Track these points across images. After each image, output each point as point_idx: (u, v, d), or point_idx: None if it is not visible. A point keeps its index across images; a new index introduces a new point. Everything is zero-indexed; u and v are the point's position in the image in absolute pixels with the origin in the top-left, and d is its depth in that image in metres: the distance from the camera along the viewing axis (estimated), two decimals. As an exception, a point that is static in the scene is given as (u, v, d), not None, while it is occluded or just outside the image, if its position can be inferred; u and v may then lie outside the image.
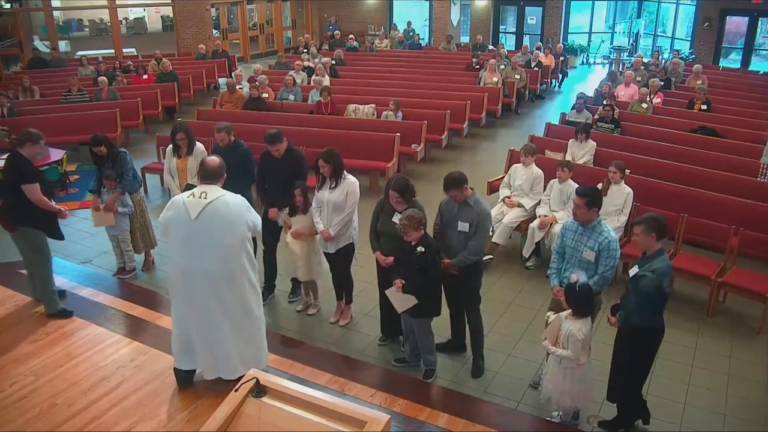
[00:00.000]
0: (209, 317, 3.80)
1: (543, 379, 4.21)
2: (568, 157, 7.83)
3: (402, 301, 4.37)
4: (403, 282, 4.33)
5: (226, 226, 3.72)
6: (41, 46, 18.27)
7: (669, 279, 3.86)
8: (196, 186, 3.92)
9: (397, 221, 4.55)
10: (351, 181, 5.03)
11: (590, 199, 4.15)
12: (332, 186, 4.99)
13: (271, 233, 5.68)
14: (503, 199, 6.72)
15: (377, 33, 19.44)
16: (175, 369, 4.07)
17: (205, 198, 3.71)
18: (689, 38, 18.30)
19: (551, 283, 4.49)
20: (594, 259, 4.17)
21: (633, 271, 3.90)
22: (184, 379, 4.06)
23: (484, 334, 4.83)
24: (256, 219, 3.93)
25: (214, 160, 3.95)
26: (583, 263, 4.18)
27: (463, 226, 4.46)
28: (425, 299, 4.37)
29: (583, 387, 4.00)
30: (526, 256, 6.46)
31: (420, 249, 4.27)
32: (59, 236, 5.13)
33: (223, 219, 3.71)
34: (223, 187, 5.71)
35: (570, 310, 3.98)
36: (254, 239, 5.99)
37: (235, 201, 3.80)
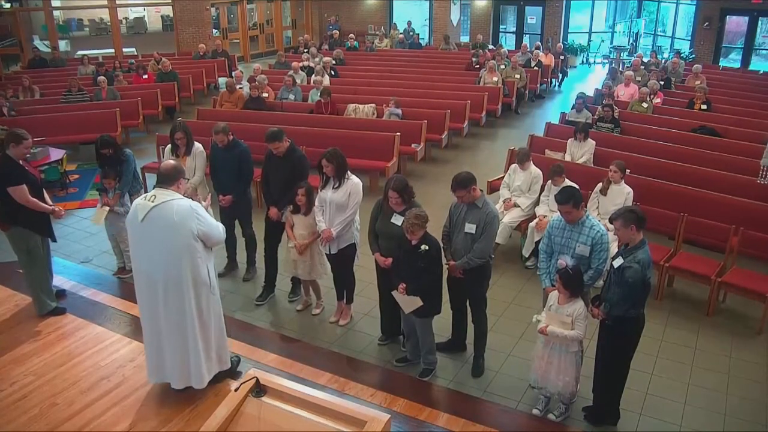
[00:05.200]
0: (168, 322, 3.75)
1: (534, 367, 4.26)
2: (567, 157, 7.84)
3: (408, 302, 4.37)
4: (406, 285, 4.32)
5: (168, 231, 3.62)
6: (41, 45, 18.27)
7: (651, 269, 3.93)
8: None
9: (396, 222, 4.54)
10: (354, 181, 5.02)
11: (574, 200, 4.20)
12: (335, 186, 4.99)
13: (272, 233, 5.69)
14: (503, 201, 6.71)
15: (377, 33, 19.44)
16: None
17: (152, 201, 3.65)
18: (689, 38, 18.30)
19: (543, 284, 4.51)
20: (588, 253, 4.22)
21: (617, 262, 3.92)
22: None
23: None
24: (206, 228, 3.71)
25: (169, 163, 3.89)
26: (576, 259, 4.20)
27: (470, 228, 4.43)
28: (428, 298, 4.36)
29: (576, 370, 4.12)
30: (526, 256, 6.46)
31: (424, 247, 4.25)
32: (51, 237, 5.12)
33: (166, 223, 3.62)
34: (221, 186, 5.80)
35: (558, 298, 4.09)
36: (253, 238, 6.09)
37: (182, 206, 3.65)
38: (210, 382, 3.97)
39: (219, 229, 3.85)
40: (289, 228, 5.28)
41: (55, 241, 5.20)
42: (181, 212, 3.63)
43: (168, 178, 3.75)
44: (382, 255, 4.68)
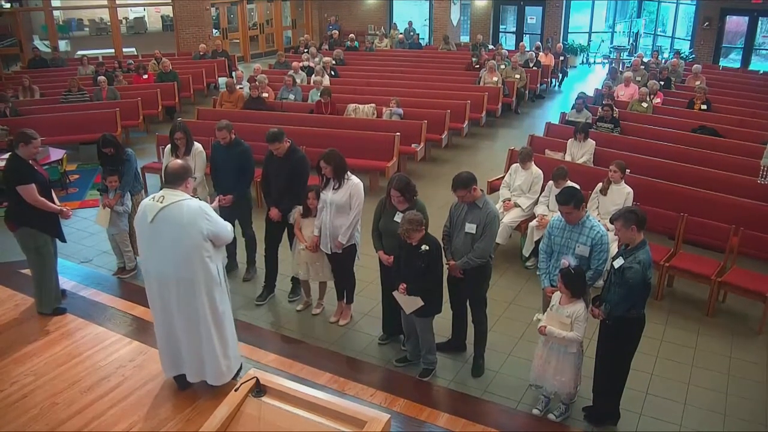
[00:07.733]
0: (183, 322, 3.75)
1: (534, 366, 4.26)
2: (568, 157, 7.84)
3: (409, 302, 4.36)
4: (407, 285, 4.32)
5: (178, 232, 3.61)
6: (41, 45, 18.25)
7: (651, 269, 3.93)
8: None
9: (399, 220, 4.54)
10: (355, 182, 5.01)
11: (575, 201, 4.21)
12: (335, 187, 4.99)
13: (273, 233, 5.68)
14: (503, 201, 6.71)
15: (377, 33, 19.44)
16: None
17: (161, 202, 3.63)
18: (689, 38, 18.31)
19: (542, 284, 4.51)
20: (588, 253, 4.22)
21: (618, 262, 3.92)
22: (184, 381, 4.04)
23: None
24: (216, 228, 3.71)
25: (176, 163, 3.87)
26: (576, 259, 4.20)
27: (470, 228, 4.44)
28: (429, 298, 4.36)
29: (574, 371, 4.12)
30: (526, 256, 6.46)
31: (424, 247, 4.25)
32: (60, 237, 5.13)
33: (176, 224, 3.60)
34: (222, 185, 5.80)
35: (560, 298, 4.09)
36: (253, 238, 6.08)
37: (191, 207, 3.64)
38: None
39: (228, 228, 3.85)
40: (299, 230, 5.28)
41: (64, 241, 5.21)
42: (190, 213, 3.63)
43: (176, 178, 3.74)
44: (386, 253, 4.68)
